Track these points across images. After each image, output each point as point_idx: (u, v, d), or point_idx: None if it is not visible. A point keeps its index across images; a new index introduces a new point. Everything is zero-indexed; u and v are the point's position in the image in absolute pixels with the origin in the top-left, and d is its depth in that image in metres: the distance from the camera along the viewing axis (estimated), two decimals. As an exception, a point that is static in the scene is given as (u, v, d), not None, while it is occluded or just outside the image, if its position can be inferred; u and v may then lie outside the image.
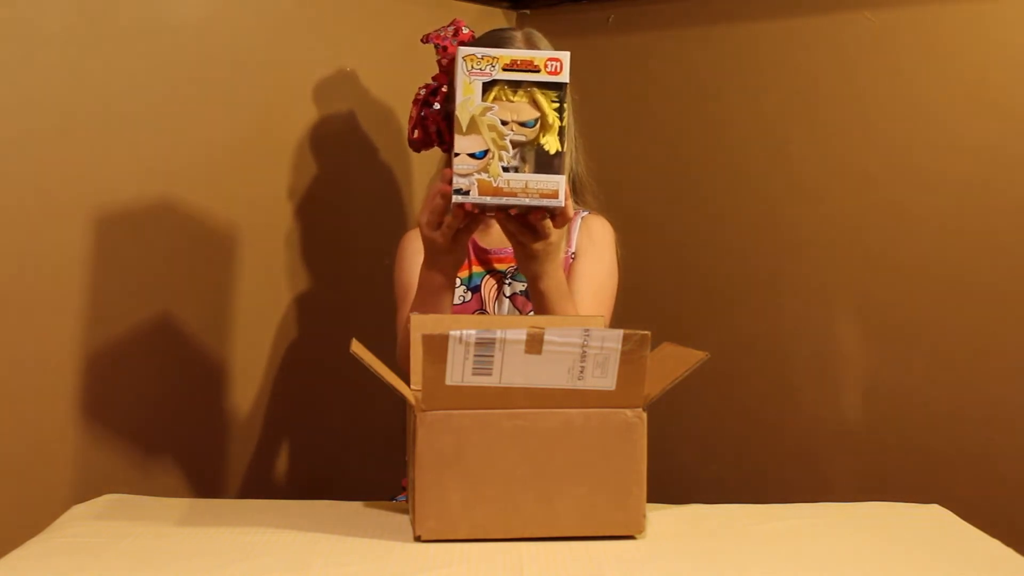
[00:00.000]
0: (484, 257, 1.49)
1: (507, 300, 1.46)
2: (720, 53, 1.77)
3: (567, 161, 1.15)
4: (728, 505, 1.21)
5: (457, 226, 1.21)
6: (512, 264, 1.47)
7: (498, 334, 1.00)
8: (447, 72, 1.47)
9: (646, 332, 1.03)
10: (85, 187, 1.44)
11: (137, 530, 1.09)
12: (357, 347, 1.05)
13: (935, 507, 1.22)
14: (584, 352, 1.02)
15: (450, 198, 1.15)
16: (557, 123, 1.14)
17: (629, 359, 1.03)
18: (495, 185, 1.13)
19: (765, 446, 1.76)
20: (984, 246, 1.55)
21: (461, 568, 0.97)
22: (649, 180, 1.79)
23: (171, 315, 1.56)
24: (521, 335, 1.01)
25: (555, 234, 1.21)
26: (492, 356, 1.01)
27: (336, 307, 1.73)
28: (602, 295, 1.43)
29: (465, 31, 1.49)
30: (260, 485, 1.67)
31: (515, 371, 1.02)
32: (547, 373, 1.03)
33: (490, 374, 1.02)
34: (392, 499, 1.48)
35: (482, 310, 1.46)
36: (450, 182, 1.15)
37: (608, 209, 1.53)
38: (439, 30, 1.49)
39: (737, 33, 1.76)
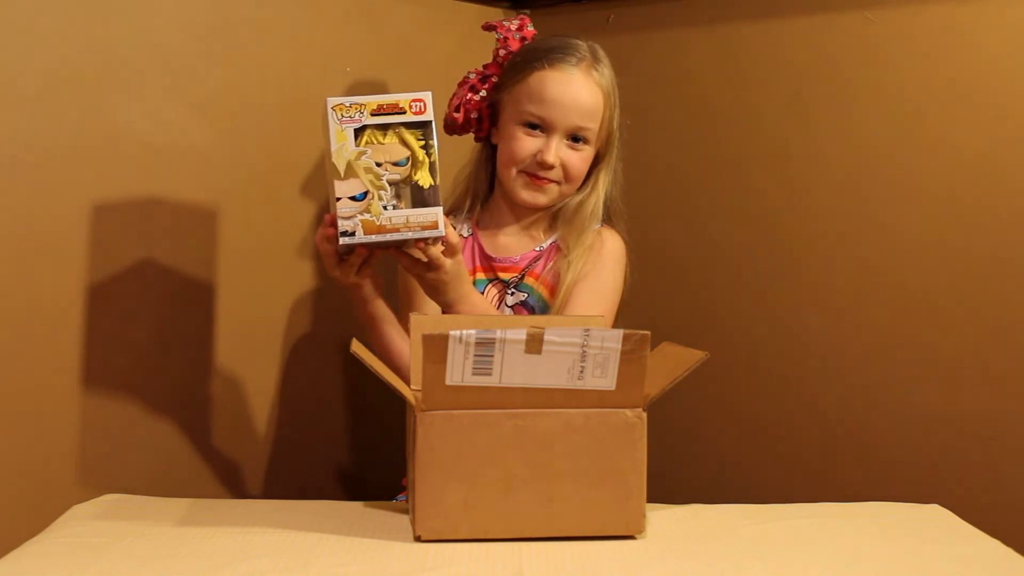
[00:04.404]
0: (489, 264, 1.49)
1: (509, 310, 1.46)
2: (720, 53, 1.77)
3: (441, 193, 1.21)
4: (728, 505, 1.21)
5: (356, 264, 1.26)
6: (517, 274, 1.47)
7: (498, 334, 1.01)
8: (500, 64, 1.49)
9: (646, 332, 1.03)
10: (89, 184, 1.44)
11: (137, 530, 1.09)
12: (357, 347, 1.05)
13: (935, 507, 1.22)
14: (584, 352, 1.03)
15: (332, 240, 1.20)
16: (427, 160, 1.20)
17: (629, 359, 1.03)
18: (378, 223, 1.18)
19: (765, 446, 1.76)
20: (979, 250, 1.55)
21: (461, 568, 0.97)
22: (648, 179, 1.79)
23: (172, 315, 1.55)
24: (521, 335, 1.01)
25: (448, 263, 1.25)
26: (492, 356, 1.01)
27: (336, 307, 1.73)
28: (596, 310, 1.43)
29: (529, 28, 1.51)
30: (260, 485, 1.67)
31: (515, 371, 1.02)
32: (547, 373, 1.03)
33: (490, 374, 1.02)
34: (392, 499, 1.49)
35: None
36: (332, 225, 1.20)
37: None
38: (504, 20, 1.51)
39: (737, 33, 1.75)
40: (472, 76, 1.50)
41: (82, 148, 1.43)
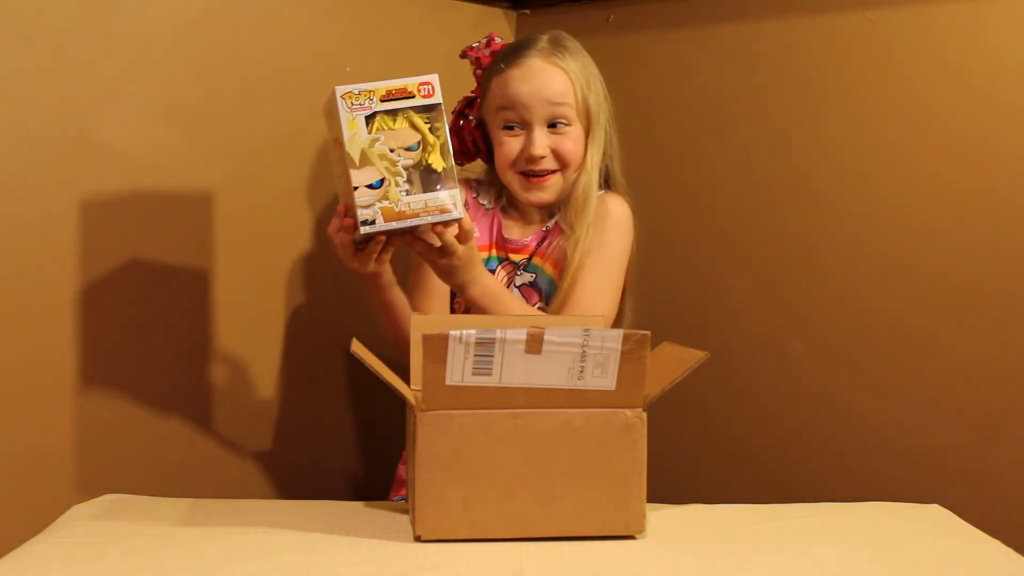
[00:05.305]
0: (503, 244, 1.50)
1: (517, 290, 1.47)
2: (720, 53, 1.77)
3: (455, 173, 1.20)
4: (728, 505, 1.21)
5: (375, 252, 1.25)
6: (527, 256, 1.48)
7: (498, 334, 1.01)
8: (482, 85, 1.50)
9: (646, 332, 1.03)
10: (87, 182, 1.44)
11: (137, 530, 1.09)
12: (357, 347, 1.05)
13: (935, 507, 1.23)
14: (584, 352, 1.03)
15: (349, 231, 1.20)
16: (437, 142, 1.19)
17: (629, 359, 1.03)
18: (397, 210, 1.18)
19: (766, 446, 1.76)
20: (983, 249, 1.55)
21: (461, 568, 0.97)
22: (648, 179, 1.79)
23: (172, 314, 1.55)
24: (521, 335, 1.01)
25: (461, 249, 1.26)
26: (492, 356, 1.01)
27: (336, 307, 1.73)
28: (600, 285, 1.43)
29: (498, 41, 1.52)
30: (261, 485, 1.67)
31: (515, 371, 1.02)
32: (547, 373, 1.03)
33: (490, 374, 1.02)
34: (392, 499, 1.49)
35: None
36: (348, 215, 1.19)
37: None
38: (474, 44, 1.52)
39: (737, 33, 1.75)
40: (457, 104, 1.52)
41: (80, 147, 1.43)
